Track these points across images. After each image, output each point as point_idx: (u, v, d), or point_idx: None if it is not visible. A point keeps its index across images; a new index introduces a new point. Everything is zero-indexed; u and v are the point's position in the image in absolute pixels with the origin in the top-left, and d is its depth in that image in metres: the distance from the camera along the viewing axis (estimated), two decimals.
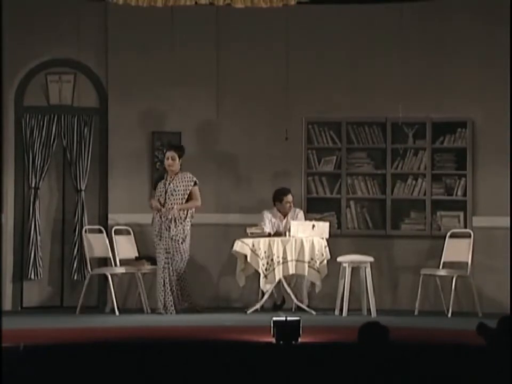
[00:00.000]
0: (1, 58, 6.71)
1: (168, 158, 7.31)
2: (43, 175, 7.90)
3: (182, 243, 7.23)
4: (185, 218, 7.25)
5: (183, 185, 7.30)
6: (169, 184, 7.28)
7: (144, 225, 7.84)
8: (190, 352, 4.63)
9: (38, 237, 7.82)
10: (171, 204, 7.23)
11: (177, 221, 7.20)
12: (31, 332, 5.98)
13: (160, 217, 7.22)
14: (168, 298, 7.18)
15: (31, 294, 7.85)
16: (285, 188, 7.65)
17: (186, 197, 7.27)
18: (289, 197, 7.57)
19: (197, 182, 7.33)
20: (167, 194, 7.25)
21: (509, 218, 7.49)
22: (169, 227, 7.20)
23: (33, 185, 7.88)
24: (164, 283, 7.17)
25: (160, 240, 7.22)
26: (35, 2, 7.75)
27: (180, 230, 7.21)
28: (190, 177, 7.33)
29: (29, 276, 7.79)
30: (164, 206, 7.23)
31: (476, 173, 7.80)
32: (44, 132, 7.90)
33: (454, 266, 7.49)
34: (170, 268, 7.19)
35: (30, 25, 7.77)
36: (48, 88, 7.91)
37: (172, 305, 7.18)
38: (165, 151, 7.49)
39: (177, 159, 7.31)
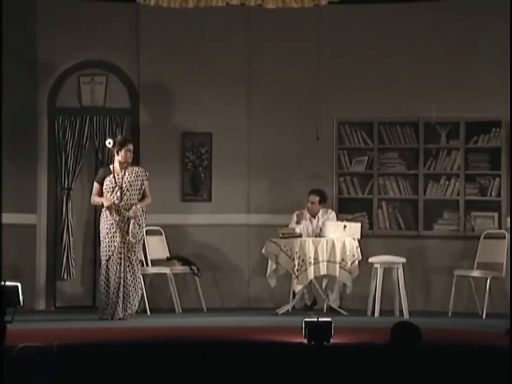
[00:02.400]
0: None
1: (129, 151, 6.78)
2: (75, 176, 7.96)
3: (139, 244, 6.73)
4: (143, 217, 6.73)
5: (139, 180, 6.78)
6: (122, 178, 6.74)
7: (176, 225, 7.86)
8: (221, 353, 4.62)
9: (71, 238, 7.88)
10: (128, 200, 6.69)
11: (136, 220, 6.68)
12: (64, 331, 6.02)
13: (115, 215, 6.64)
14: (112, 302, 6.66)
15: (64, 294, 7.92)
16: (316, 189, 7.63)
17: (141, 192, 6.77)
18: (312, 197, 7.53)
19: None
20: (122, 189, 6.69)
21: None
22: (127, 226, 6.66)
23: (65, 186, 7.94)
24: (110, 286, 6.64)
25: (112, 241, 6.67)
26: (67, 5, 7.82)
27: (138, 230, 6.69)
28: (142, 171, 6.83)
29: (62, 276, 7.86)
30: (120, 202, 6.67)
31: (510, 173, 7.70)
32: (76, 133, 7.96)
33: (488, 268, 7.40)
34: (123, 270, 6.63)
35: (63, 28, 7.84)
36: (80, 90, 7.98)
37: (112, 310, 6.66)
38: (115, 143, 6.79)
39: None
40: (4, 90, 7.55)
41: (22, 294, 4.44)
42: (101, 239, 6.80)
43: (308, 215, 7.60)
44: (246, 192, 7.94)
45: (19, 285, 4.47)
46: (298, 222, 7.50)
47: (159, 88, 7.93)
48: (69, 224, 7.88)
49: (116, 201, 6.73)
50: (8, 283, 4.44)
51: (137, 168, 6.92)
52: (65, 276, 7.85)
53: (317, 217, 7.61)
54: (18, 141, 7.75)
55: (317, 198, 7.56)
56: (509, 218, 7.65)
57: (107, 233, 6.71)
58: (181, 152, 8.01)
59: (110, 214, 6.70)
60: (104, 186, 6.83)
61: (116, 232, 6.69)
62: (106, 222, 6.74)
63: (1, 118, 6.57)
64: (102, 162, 7.99)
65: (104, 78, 7.97)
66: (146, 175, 6.88)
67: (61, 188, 7.95)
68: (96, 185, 6.89)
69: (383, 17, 7.84)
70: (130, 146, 6.89)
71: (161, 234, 7.83)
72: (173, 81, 7.93)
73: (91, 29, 7.86)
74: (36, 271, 7.85)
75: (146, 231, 7.77)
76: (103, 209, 6.78)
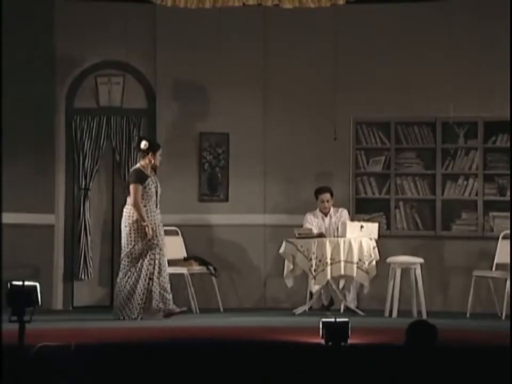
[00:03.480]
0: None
1: (160, 155, 6.87)
2: (93, 176, 7.99)
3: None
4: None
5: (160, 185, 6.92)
6: (156, 184, 6.82)
7: (193, 225, 7.87)
8: (238, 353, 4.62)
9: (88, 237, 7.91)
10: (159, 205, 6.82)
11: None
12: (81, 331, 6.04)
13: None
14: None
15: (81, 294, 7.95)
16: (323, 187, 7.59)
17: None
18: (325, 196, 7.50)
19: None
20: (157, 193, 6.81)
21: None
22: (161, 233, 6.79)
23: (83, 186, 7.97)
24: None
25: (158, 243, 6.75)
26: (84, 5, 7.85)
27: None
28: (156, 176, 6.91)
29: (79, 276, 7.88)
30: (157, 209, 6.77)
31: None
32: (93, 133, 7.99)
33: (507, 268, 7.34)
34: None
35: (80, 29, 7.87)
36: (98, 90, 8.00)
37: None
38: (150, 145, 6.80)
39: None
40: (22, 91, 7.62)
41: (40, 294, 4.46)
42: (135, 253, 6.74)
43: (321, 214, 7.58)
44: (262, 192, 7.93)
45: (37, 284, 4.49)
46: (325, 214, 7.38)
47: (175, 88, 7.94)
48: (87, 224, 7.90)
49: (154, 208, 6.79)
50: (26, 283, 4.47)
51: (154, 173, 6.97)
52: (82, 276, 7.88)
53: (329, 215, 7.58)
54: (36, 142, 7.80)
55: (329, 196, 7.54)
56: None
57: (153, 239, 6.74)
58: (198, 152, 8.01)
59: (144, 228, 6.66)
60: (146, 190, 6.76)
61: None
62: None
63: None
64: (120, 162, 8.01)
65: (121, 78, 7.99)
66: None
67: (79, 188, 7.98)
68: (140, 187, 6.75)
69: (400, 16, 7.80)
70: (161, 151, 6.94)
71: (178, 234, 7.84)
72: (190, 81, 7.94)
73: (108, 29, 7.88)
74: (53, 271, 7.88)
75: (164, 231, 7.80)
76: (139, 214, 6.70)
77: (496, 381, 4.19)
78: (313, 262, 7.10)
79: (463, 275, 7.51)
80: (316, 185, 7.76)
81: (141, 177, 6.77)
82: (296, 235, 7.26)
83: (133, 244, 6.77)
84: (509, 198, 7.73)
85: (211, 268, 7.69)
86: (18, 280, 4.49)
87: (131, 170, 6.98)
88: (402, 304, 7.13)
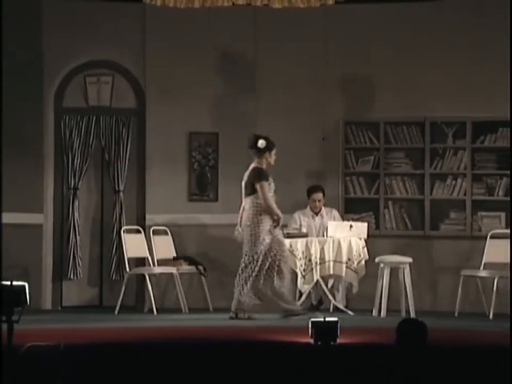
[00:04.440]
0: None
1: (275, 154, 6.79)
2: (82, 175, 7.97)
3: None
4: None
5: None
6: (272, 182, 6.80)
7: (182, 225, 7.86)
8: (227, 353, 4.62)
9: (77, 237, 7.90)
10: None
11: None
12: (70, 331, 6.03)
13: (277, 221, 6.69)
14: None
15: (70, 294, 7.93)
16: (316, 186, 7.60)
17: None
18: (317, 195, 7.51)
19: None
20: (274, 193, 6.81)
21: None
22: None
23: (72, 185, 7.95)
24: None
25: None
26: (73, 4, 7.83)
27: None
28: None
29: (68, 276, 7.87)
30: None
31: None
32: (82, 132, 7.98)
33: (495, 267, 7.38)
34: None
35: (69, 28, 7.85)
36: (87, 90, 7.98)
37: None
38: (268, 143, 6.73)
39: None
40: (10, 90, 7.59)
41: (29, 293, 4.45)
42: (260, 240, 6.68)
43: (311, 213, 7.59)
44: None
45: (26, 284, 4.47)
46: (316, 213, 7.36)
47: (165, 88, 7.93)
48: (76, 223, 7.89)
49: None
50: (15, 283, 4.45)
51: None
52: (71, 276, 7.86)
53: (320, 215, 7.59)
54: (24, 141, 7.77)
55: (321, 195, 7.55)
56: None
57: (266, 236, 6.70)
58: (188, 152, 8.01)
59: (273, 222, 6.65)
60: (270, 188, 6.73)
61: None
62: (267, 224, 6.70)
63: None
64: (109, 162, 7.99)
65: (111, 78, 7.98)
66: None
67: (68, 188, 7.96)
68: (267, 185, 6.70)
69: (390, 16, 7.83)
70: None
71: (168, 234, 7.83)
72: (179, 81, 7.93)
73: (97, 28, 7.87)
74: (42, 270, 7.86)
75: (152, 230, 7.80)
76: (263, 215, 6.67)
77: (486, 380, 4.22)
78: (302, 261, 7.11)
79: (452, 274, 7.54)
80: (306, 185, 7.77)
81: (266, 175, 6.70)
82: (285, 234, 7.27)
83: (263, 240, 6.66)
84: (497, 197, 7.77)
85: (200, 267, 7.68)
86: (7, 280, 4.47)
87: (252, 169, 6.75)
88: (391, 303, 7.14)
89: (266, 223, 6.72)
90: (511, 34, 7.16)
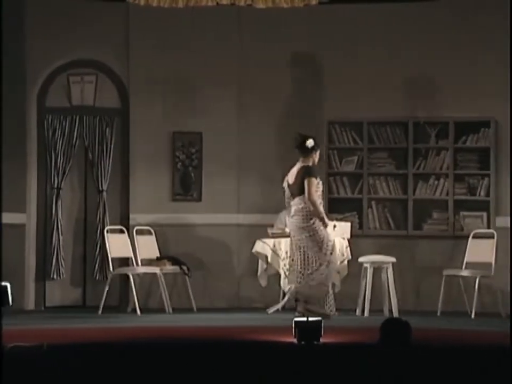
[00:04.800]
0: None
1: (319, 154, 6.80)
2: (65, 175, 7.95)
3: None
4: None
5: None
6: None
7: (166, 225, 7.86)
8: (210, 352, 4.63)
9: (60, 237, 7.87)
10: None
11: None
12: (54, 331, 6.01)
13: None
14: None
15: (53, 294, 7.90)
16: None
17: None
18: None
19: None
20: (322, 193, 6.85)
21: None
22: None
23: (55, 185, 7.92)
24: None
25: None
26: (57, 3, 7.80)
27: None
28: None
29: (51, 276, 7.84)
30: None
31: (499, 173, 7.73)
32: (66, 132, 7.95)
33: (477, 267, 7.43)
34: None
35: (53, 27, 7.82)
36: (70, 89, 7.96)
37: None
38: (315, 142, 6.75)
39: None
40: None
41: (12, 294, 4.43)
42: (328, 241, 6.74)
43: None
44: (236, 191, 7.94)
45: (8, 285, 4.45)
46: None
47: (149, 87, 7.92)
48: (59, 223, 7.86)
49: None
50: None
51: None
52: (54, 276, 7.84)
53: None
54: (7, 140, 7.73)
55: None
56: (499, 218, 7.69)
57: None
58: (171, 151, 8.00)
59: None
60: (318, 186, 6.74)
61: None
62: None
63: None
64: (92, 162, 7.97)
65: (94, 77, 7.95)
66: None
67: (51, 187, 7.93)
68: (316, 182, 6.69)
69: (373, 17, 7.86)
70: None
71: (151, 234, 7.82)
72: (163, 80, 7.92)
73: (81, 28, 7.84)
74: (25, 270, 7.83)
75: (136, 230, 7.80)
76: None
77: (469, 379, 4.25)
78: (286, 261, 7.13)
79: (434, 274, 7.58)
80: None
81: (315, 172, 6.70)
82: (270, 234, 7.28)
83: (326, 236, 6.69)
84: (479, 197, 7.82)
85: (184, 267, 7.68)
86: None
87: (300, 168, 6.70)
88: (375, 303, 7.18)
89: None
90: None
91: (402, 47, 7.82)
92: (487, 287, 7.41)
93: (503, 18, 7.56)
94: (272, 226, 7.40)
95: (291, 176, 6.78)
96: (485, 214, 7.76)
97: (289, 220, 6.81)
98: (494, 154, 7.77)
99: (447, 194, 7.85)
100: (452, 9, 7.77)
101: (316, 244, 6.71)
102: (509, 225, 7.57)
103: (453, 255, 7.69)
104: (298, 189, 6.71)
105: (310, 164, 6.75)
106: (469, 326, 6.65)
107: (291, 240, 6.85)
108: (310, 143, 6.70)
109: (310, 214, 6.69)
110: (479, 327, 6.49)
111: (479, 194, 7.82)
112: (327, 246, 6.75)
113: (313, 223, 6.69)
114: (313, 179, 6.67)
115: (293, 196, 6.75)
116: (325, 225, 6.76)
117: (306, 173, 6.70)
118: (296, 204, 6.73)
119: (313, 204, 6.66)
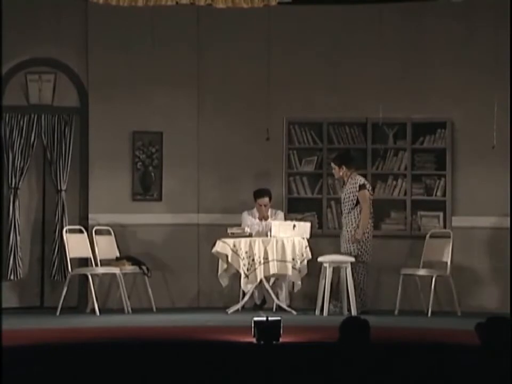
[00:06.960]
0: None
1: None
2: (23, 175, 7.86)
3: None
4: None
5: (352, 191, 7.36)
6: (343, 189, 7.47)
7: (126, 225, 7.82)
8: (170, 352, 4.63)
9: (18, 237, 7.77)
10: (345, 212, 7.36)
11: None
12: (11, 332, 5.94)
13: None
14: None
15: (10, 295, 7.80)
16: (262, 189, 7.62)
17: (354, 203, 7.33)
18: (263, 200, 7.54)
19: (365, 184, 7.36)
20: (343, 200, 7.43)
21: (492, 218, 7.58)
22: None
23: (13, 185, 7.83)
24: None
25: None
26: (15, 1, 7.70)
27: None
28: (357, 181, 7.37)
29: (8, 277, 7.74)
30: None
31: (455, 173, 7.86)
32: (23, 131, 7.85)
33: (433, 266, 7.54)
34: None
35: (10, 24, 7.71)
36: (28, 88, 7.87)
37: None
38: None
39: None
40: None
41: None
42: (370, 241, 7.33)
43: (257, 215, 7.62)
44: (196, 191, 7.94)
45: None
46: (260, 219, 7.51)
47: (108, 86, 7.87)
48: (16, 223, 7.77)
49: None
50: None
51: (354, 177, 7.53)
52: (11, 276, 7.74)
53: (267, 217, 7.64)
54: None
55: (267, 200, 7.59)
56: (455, 218, 7.82)
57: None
58: (131, 151, 7.96)
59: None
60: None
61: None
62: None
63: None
64: (51, 161, 7.89)
65: (53, 76, 7.87)
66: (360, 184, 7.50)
67: (8, 187, 7.83)
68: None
69: (332, 18, 7.92)
70: None
71: (111, 234, 7.78)
72: (123, 80, 7.88)
73: (39, 25, 7.76)
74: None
75: (95, 230, 7.74)
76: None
77: (427, 376, 4.31)
78: (246, 261, 7.15)
79: (392, 273, 7.67)
80: (249, 185, 7.80)
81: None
82: (229, 234, 7.30)
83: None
84: (435, 197, 7.94)
85: (144, 267, 7.66)
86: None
87: (360, 180, 7.38)
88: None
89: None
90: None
91: (360, 48, 7.89)
92: (443, 286, 7.52)
93: (461, 21, 7.68)
94: (235, 225, 7.40)
95: (348, 191, 7.42)
96: (441, 214, 7.88)
97: None
98: (450, 155, 7.89)
99: (405, 194, 7.95)
100: (403, 10, 7.84)
101: (365, 251, 7.45)
102: (463, 225, 7.70)
103: (410, 254, 7.79)
104: (353, 203, 7.37)
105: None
106: (425, 324, 6.75)
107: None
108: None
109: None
110: (436, 325, 6.59)
111: (436, 195, 7.93)
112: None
113: (368, 235, 7.40)
114: (367, 192, 7.41)
115: (350, 209, 7.42)
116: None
117: (363, 186, 7.40)
118: (352, 216, 7.40)
119: (366, 216, 7.37)
